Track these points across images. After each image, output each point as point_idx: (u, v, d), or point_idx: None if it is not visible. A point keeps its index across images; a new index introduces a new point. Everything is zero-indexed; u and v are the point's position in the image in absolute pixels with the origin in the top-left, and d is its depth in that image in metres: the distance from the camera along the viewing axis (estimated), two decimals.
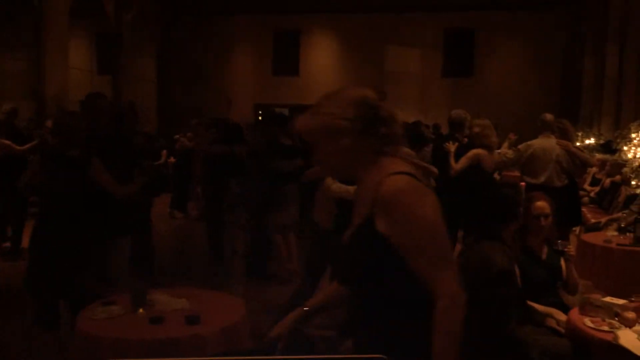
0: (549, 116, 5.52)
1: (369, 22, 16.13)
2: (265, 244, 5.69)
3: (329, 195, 3.83)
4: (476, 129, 5.10)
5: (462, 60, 16.07)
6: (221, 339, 2.58)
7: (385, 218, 1.56)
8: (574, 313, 2.85)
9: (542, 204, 3.17)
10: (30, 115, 9.85)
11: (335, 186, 3.73)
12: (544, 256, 3.20)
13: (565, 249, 3.19)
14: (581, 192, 8.60)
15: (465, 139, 5.36)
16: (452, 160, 5.06)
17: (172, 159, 10.10)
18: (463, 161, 5.02)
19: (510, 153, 5.59)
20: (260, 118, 16.37)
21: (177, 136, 10.16)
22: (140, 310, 2.72)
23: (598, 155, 9.47)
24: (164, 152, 10.57)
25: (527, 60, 15.60)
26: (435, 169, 4.46)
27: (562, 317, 2.93)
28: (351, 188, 3.74)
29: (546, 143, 5.29)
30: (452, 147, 5.14)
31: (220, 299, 3.03)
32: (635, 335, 2.52)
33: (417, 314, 1.56)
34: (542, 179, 5.19)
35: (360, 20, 16.18)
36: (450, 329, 1.52)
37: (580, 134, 11.17)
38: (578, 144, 10.90)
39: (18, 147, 6.17)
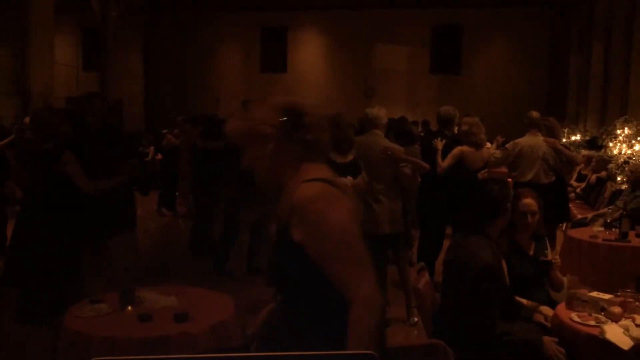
0: (535, 114, 5.55)
1: (357, 18, 16.13)
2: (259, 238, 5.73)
3: None
4: (464, 127, 5.14)
5: (450, 56, 16.13)
6: (210, 336, 2.57)
7: (299, 226, 1.57)
8: (561, 308, 2.87)
9: (529, 201, 3.18)
10: (16, 112, 9.74)
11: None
12: (531, 252, 3.23)
13: (552, 260, 3.22)
14: (567, 188, 8.71)
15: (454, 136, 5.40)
16: (439, 158, 5.09)
17: (159, 156, 10.05)
18: (448, 159, 5.06)
19: (498, 153, 5.64)
20: None
21: (165, 132, 10.07)
22: (129, 308, 2.70)
23: (584, 152, 9.57)
24: (151, 148, 10.51)
25: (514, 57, 15.70)
26: (426, 165, 4.48)
27: (549, 312, 2.96)
28: (345, 180, 3.74)
29: (533, 141, 5.33)
30: (439, 144, 5.16)
31: (209, 297, 3.01)
32: (621, 330, 2.55)
33: (336, 321, 1.56)
34: (529, 176, 5.24)
35: (348, 16, 16.17)
36: (362, 335, 1.52)
37: (566, 130, 11.27)
38: (564, 140, 11.01)
39: None
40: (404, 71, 16.24)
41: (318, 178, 1.62)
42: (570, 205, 7.84)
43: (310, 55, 16.93)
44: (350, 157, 4.07)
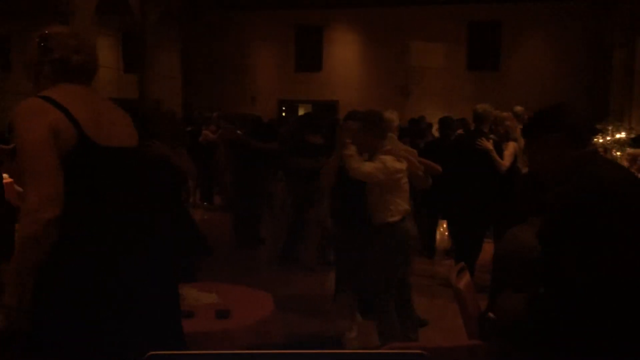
0: (519, 109, 5.86)
1: (392, 16, 16.01)
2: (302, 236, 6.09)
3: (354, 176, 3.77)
4: (508, 123, 5.17)
5: (488, 53, 15.86)
6: (251, 333, 2.61)
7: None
8: None
9: None
10: None
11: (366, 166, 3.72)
12: None
13: None
14: None
15: (492, 134, 5.34)
16: (496, 157, 5.07)
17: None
18: (509, 156, 5.11)
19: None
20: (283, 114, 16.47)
21: (204, 128, 10.26)
22: None
23: (629, 150, 9.27)
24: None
25: (553, 52, 15.32)
26: (438, 167, 4.36)
27: None
28: (377, 171, 3.70)
29: (518, 135, 5.41)
30: (489, 144, 5.11)
31: (249, 294, 3.05)
32: None
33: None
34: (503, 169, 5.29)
35: (383, 14, 16.08)
36: (20, 244, 1.64)
37: (610, 127, 10.94)
38: (608, 138, 10.69)
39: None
40: (440, 68, 16.05)
41: (42, 95, 1.74)
42: None
43: (345, 53, 16.90)
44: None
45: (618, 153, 10.01)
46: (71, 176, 1.74)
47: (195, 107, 15.30)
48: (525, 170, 5.50)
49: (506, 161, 5.11)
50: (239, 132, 7.13)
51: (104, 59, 14.35)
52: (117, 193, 1.83)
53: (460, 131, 7.41)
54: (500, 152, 5.16)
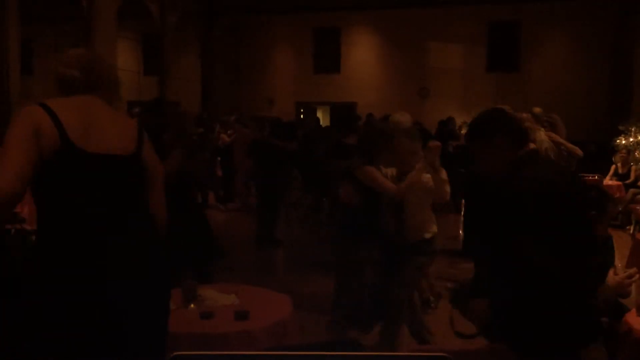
0: (537, 110, 5.84)
1: (409, 17, 15.95)
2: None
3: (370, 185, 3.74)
4: (528, 124, 5.15)
5: (507, 54, 15.69)
6: (270, 334, 2.61)
7: None
8: (632, 315, 2.76)
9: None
10: None
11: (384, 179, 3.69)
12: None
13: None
14: (635, 190, 8.33)
15: None
16: None
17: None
18: None
19: None
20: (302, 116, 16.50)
21: (217, 131, 10.27)
22: (192, 305, 2.78)
23: None
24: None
25: (574, 53, 15.12)
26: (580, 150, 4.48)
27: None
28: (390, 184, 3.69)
29: (536, 136, 5.39)
30: None
31: (268, 295, 3.06)
32: None
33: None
34: None
35: (400, 15, 16.02)
36: None
37: (632, 129, 10.75)
38: (631, 139, 10.51)
39: None
40: (459, 69, 15.93)
41: (40, 102, 1.91)
42: (638, 208, 7.51)
43: (363, 55, 16.88)
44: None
45: None
46: (54, 178, 1.87)
47: (213, 109, 15.40)
48: None
49: None
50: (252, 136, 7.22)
51: (124, 62, 14.57)
52: (96, 198, 1.90)
53: None
54: None
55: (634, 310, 2.78)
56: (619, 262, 3.13)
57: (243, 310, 2.68)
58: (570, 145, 5.72)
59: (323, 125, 12.55)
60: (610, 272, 2.77)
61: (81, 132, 1.90)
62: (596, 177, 8.18)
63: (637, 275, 2.96)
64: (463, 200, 6.69)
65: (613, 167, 9.78)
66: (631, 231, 6.42)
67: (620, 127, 11.13)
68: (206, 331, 2.56)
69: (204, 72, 16.78)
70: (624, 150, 10.02)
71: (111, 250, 1.87)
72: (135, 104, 13.73)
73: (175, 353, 0.85)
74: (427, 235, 3.72)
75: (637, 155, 9.90)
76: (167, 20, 14.51)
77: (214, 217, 8.96)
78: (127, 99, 14.03)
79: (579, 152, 5.91)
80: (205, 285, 3.02)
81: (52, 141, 1.85)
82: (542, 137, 5.45)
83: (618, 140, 10.85)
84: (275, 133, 6.96)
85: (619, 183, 8.86)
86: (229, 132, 9.85)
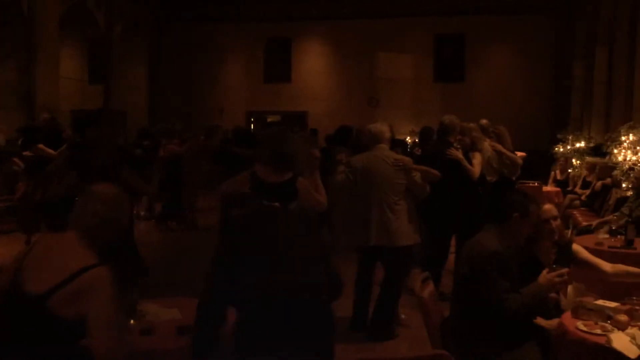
0: (485, 122, 6.12)
1: (360, 28, 16.18)
2: None
3: None
4: (475, 133, 5.33)
5: (453, 65, 16.14)
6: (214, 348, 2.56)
7: None
8: (567, 317, 2.85)
9: (549, 207, 3.22)
10: (21, 125, 9.78)
11: None
12: (551, 261, 3.19)
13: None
14: (572, 195, 8.68)
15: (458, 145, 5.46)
16: (467, 165, 5.20)
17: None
18: (478, 165, 5.31)
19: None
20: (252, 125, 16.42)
21: (163, 142, 9.35)
22: (131, 321, 2.70)
23: (588, 159, 9.53)
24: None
25: (517, 65, 15.69)
26: (436, 172, 4.66)
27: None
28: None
29: (482, 146, 5.64)
30: (459, 153, 5.22)
31: None
32: (628, 338, 2.53)
33: None
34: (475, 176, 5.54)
35: (350, 26, 16.23)
36: None
37: (570, 137, 11.23)
38: (569, 147, 10.98)
39: None
40: (407, 80, 16.26)
41: None
42: (575, 213, 7.82)
43: (314, 65, 16.98)
44: (287, 176, 3.91)
45: (578, 162, 10.29)
46: None
47: (160, 119, 15.11)
48: (490, 178, 5.68)
49: (476, 169, 5.24)
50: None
51: (68, 69, 14.14)
52: None
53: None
54: (468, 162, 5.29)
55: (569, 312, 2.88)
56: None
57: (185, 325, 2.62)
58: (511, 155, 6.00)
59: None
60: (544, 272, 2.88)
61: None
62: (536, 184, 8.49)
63: (567, 275, 3.09)
64: None
65: (552, 174, 10.18)
66: (568, 235, 6.67)
67: (559, 136, 11.62)
68: (147, 348, 2.49)
69: (152, 81, 16.48)
70: (562, 158, 10.44)
71: None
72: (78, 112, 13.34)
73: None
74: None
75: (575, 163, 10.35)
76: (113, 28, 14.20)
77: (163, 236, 8.70)
78: (71, 107, 13.64)
79: (520, 161, 6.17)
80: (147, 301, 2.94)
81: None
82: (486, 147, 5.71)
83: (556, 148, 11.31)
84: (237, 141, 6.87)
85: (558, 189, 9.21)
86: (174, 141, 9.29)
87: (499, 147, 5.91)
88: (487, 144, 5.79)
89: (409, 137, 13.16)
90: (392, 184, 4.31)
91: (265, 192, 2.22)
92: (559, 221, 3.24)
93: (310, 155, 3.87)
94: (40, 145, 6.48)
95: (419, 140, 7.69)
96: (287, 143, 3.62)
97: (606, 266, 3.31)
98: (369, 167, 4.34)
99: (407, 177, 4.35)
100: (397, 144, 6.86)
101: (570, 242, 3.44)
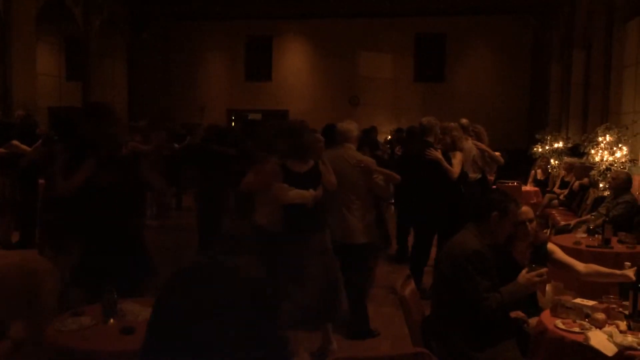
0: (464, 121, 6.21)
1: (341, 27, 16.20)
2: None
3: (282, 202, 3.82)
4: (455, 133, 5.39)
5: (434, 65, 16.25)
6: None
7: None
8: (546, 315, 2.89)
9: (526, 209, 3.26)
10: None
11: (293, 193, 3.77)
12: (526, 261, 3.23)
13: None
14: (550, 195, 8.80)
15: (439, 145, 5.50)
16: (447, 165, 5.24)
17: None
18: (458, 164, 5.35)
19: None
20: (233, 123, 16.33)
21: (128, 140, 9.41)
22: (111, 320, 2.66)
23: (566, 159, 9.68)
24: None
25: (497, 65, 15.86)
26: (397, 176, 4.69)
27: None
28: (307, 193, 3.78)
29: (464, 145, 5.79)
30: (438, 153, 5.26)
31: None
32: (605, 336, 2.57)
33: None
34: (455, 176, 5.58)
35: (332, 25, 16.24)
36: None
37: (548, 137, 11.39)
38: (547, 147, 11.13)
39: None
40: (388, 79, 16.33)
41: None
42: (553, 212, 7.94)
43: (294, 63, 16.96)
44: (310, 164, 3.99)
45: (556, 162, 10.44)
46: None
47: (140, 116, 14.92)
48: (472, 176, 5.76)
49: (456, 168, 5.29)
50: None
51: (44, 66, 13.89)
52: None
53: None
54: (447, 161, 5.33)
55: (548, 311, 2.92)
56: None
57: None
58: (493, 153, 6.12)
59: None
60: (523, 271, 2.91)
61: None
62: (515, 184, 8.59)
63: (546, 275, 3.13)
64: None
65: (533, 173, 10.31)
66: (547, 234, 6.77)
67: (537, 136, 11.77)
68: (127, 348, 2.46)
69: (131, 78, 16.28)
70: (543, 158, 10.59)
71: None
72: (56, 109, 13.10)
73: None
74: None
75: (553, 163, 10.50)
76: (91, 24, 13.98)
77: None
78: (48, 104, 13.40)
79: (501, 160, 6.25)
80: (128, 300, 2.91)
81: None
82: (469, 145, 5.82)
83: (535, 149, 11.46)
84: (214, 139, 6.85)
85: (537, 189, 9.34)
86: (136, 137, 9.19)
87: (482, 145, 6.02)
88: (470, 142, 5.87)
89: (389, 136, 13.22)
90: (353, 184, 4.28)
91: (295, 182, 2.18)
92: (534, 223, 3.28)
93: (316, 140, 4.02)
94: (15, 142, 6.41)
95: (405, 139, 7.73)
96: (305, 133, 3.78)
97: (579, 266, 3.35)
98: (333, 166, 4.27)
99: (368, 179, 4.33)
100: (373, 145, 6.90)
101: (545, 242, 3.48)
